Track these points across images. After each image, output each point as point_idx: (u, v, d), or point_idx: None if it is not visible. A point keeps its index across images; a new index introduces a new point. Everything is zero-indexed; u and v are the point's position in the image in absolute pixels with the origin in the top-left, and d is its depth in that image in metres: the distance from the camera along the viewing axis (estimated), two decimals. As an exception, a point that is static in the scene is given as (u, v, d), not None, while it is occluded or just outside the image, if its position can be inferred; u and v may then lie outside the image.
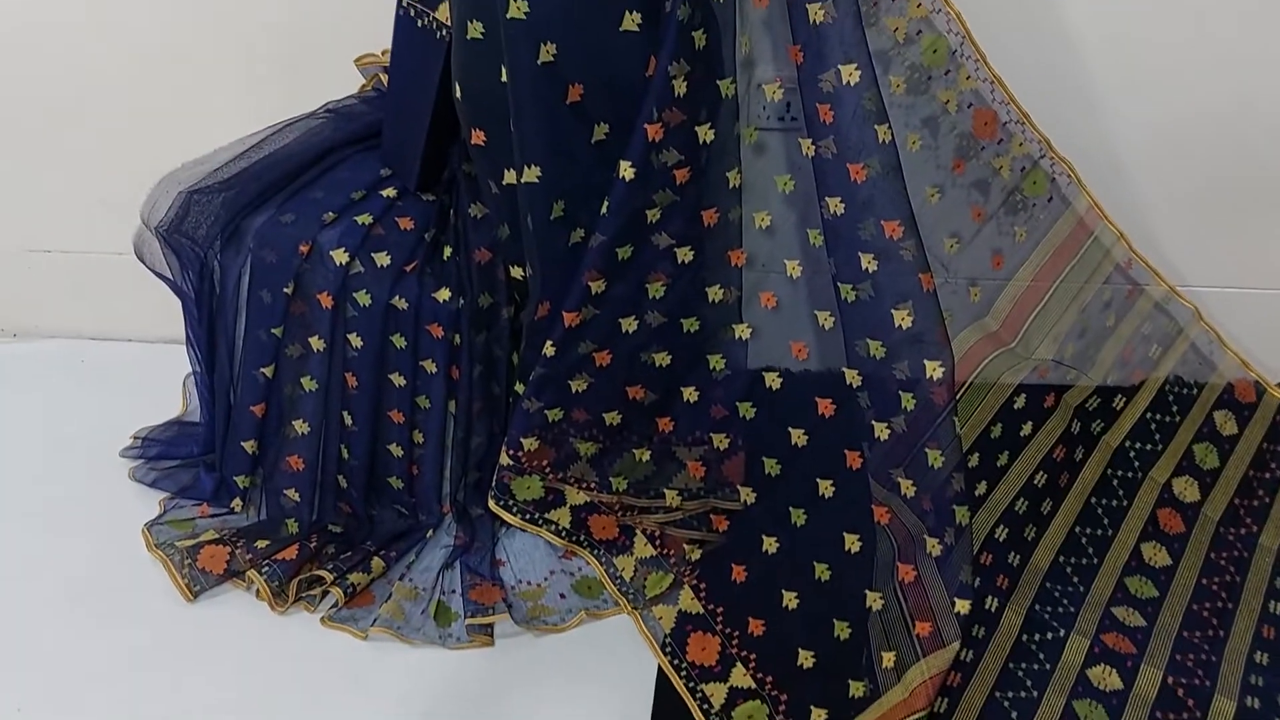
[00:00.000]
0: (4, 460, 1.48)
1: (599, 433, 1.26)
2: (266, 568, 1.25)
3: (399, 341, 1.25)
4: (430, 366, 1.27)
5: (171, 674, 1.18)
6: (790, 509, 1.26)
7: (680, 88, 1.09)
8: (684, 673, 1.18)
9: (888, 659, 1.13)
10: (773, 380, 1.27)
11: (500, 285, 1.26)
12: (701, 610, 1.24)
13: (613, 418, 1.26)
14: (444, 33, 1.17)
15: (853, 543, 1.23)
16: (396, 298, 1.22)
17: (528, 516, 1.26)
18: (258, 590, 1.25)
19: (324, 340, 1.24)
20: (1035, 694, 1.15)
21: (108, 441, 1.48)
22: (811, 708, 1.13)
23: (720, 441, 1.28)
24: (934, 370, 1.14)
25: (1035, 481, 1.32)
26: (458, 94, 1.14)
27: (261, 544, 1.29)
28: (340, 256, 1.22)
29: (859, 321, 1.18)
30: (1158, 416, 1.42)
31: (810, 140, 1.15)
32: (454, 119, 1.23)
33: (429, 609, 1.24)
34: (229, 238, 1.24)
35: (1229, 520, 1.35)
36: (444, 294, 1.23)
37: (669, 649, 1.20)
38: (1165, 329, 1.43)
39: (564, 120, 1.10)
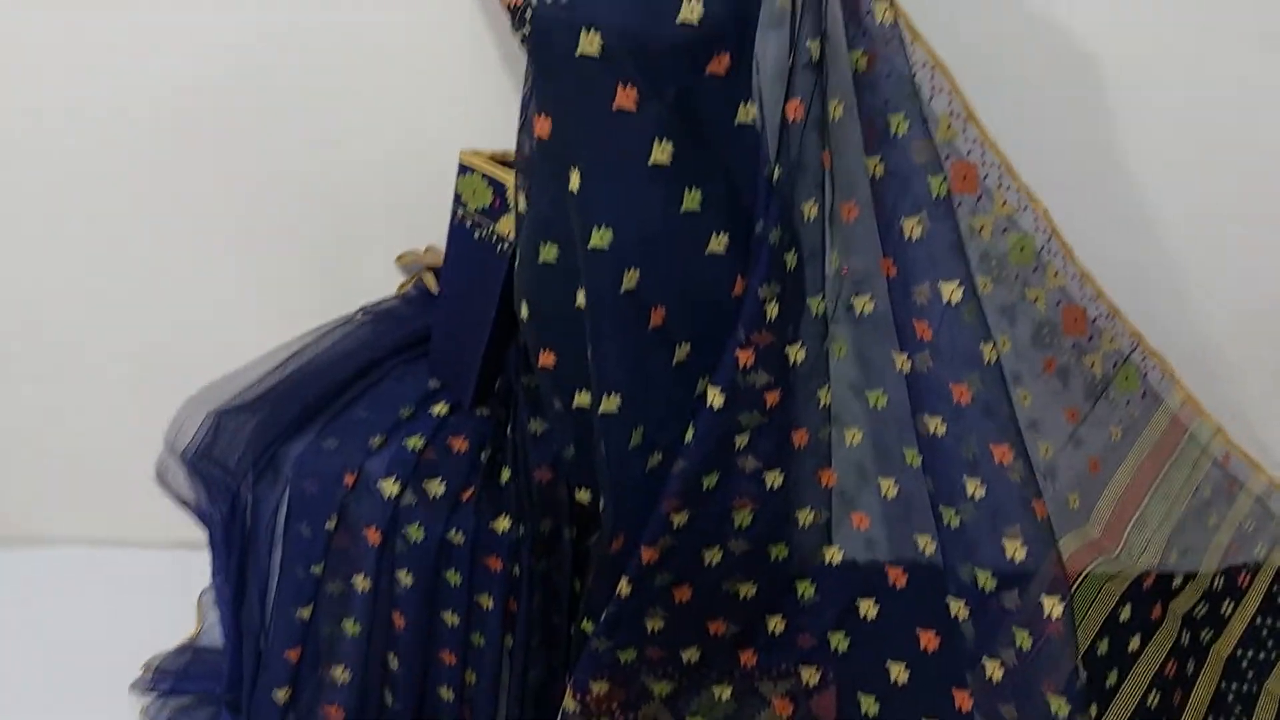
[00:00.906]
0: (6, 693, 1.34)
1: (675, 670, 1.14)
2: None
3: (453, 578, 1.13)
4: (486, 601, 1.15)
5: None
6: (893, 755, 1.14)
7: (772, 310, 1.01)
8: None
9: None
10: (868, 608, 1.16)
11: (563, 508, 1.16)
12: None
13: (691, 655, 1.14)
14: (505, 246, 1.09)
15: (964, 796, 1.10)
16: (452, 530, 1.11)
17: (594, 763, 1.13)
18: None
19: (369, 579, 1.12)
20: None
21: (116, 663, 1.34)
22: None
23: (809, 675, 1.16)
24: (1052, 607, 1.04)
25: (1148, 703, 1.20)
26: (524, 314, 1.06)
27: (295, 804, 1.15)
28: (390, 487, 1.11)
29: (964, 548, 1.08)
30: (1269, 621, 1.31)
31: (905, 355, 1.06)
32: (510, 327, 1.14)
33: None
34: (264, 466, 1.13)
35: (1358, 737, 1.24)
36: (503, 523, 1.12)
37: None
38: (1269, 526, 1.34)
39: (645, 345, 1.01)
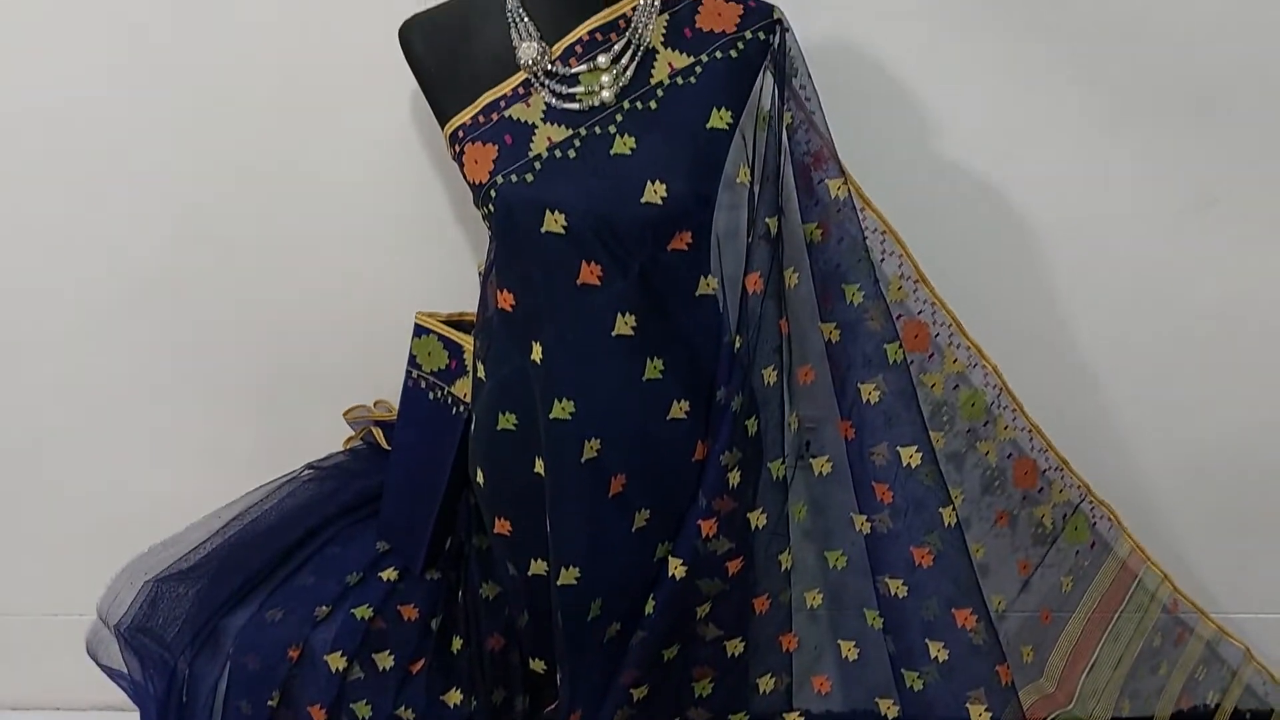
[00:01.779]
0: None
1: None
2: None
3: (403, 756, 1.08)
4: (437, 779, 1.09)
5: None
6: None
7: (734, 478, 1.00)
8: None
9: None
10: (830, 775, 1.13)
11: (515, 676, 1.12)
12: None
13: (651, 832, 1.09)
14: (460, 409, 1.07)
15: None
16: (402, 707, 1.06)
17: None
18: None
19: (314, 760, 1.06)
20: None
21: None
22: None
23: None
24: (1019, 771, 1.03)
25: None
26: (479, 480, 1.04)
27: None
28: (336, 662, 1.06)
29: (926, 711, 1.07)
30: (1224, 769, 1.31)
31: (865, 516, 1.07)
32: (463, 488, 1.12)
33: None
34: (204, 640, 1.08)
35: None
36: (455, 697, 1.08)
37: None
38: (1219, 673, 1.35)
39: (605, 514, 0.99)
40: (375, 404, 1.30)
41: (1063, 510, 1.26)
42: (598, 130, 0.90)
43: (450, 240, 1.21)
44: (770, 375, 1.02)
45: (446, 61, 0.94)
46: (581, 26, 0.93)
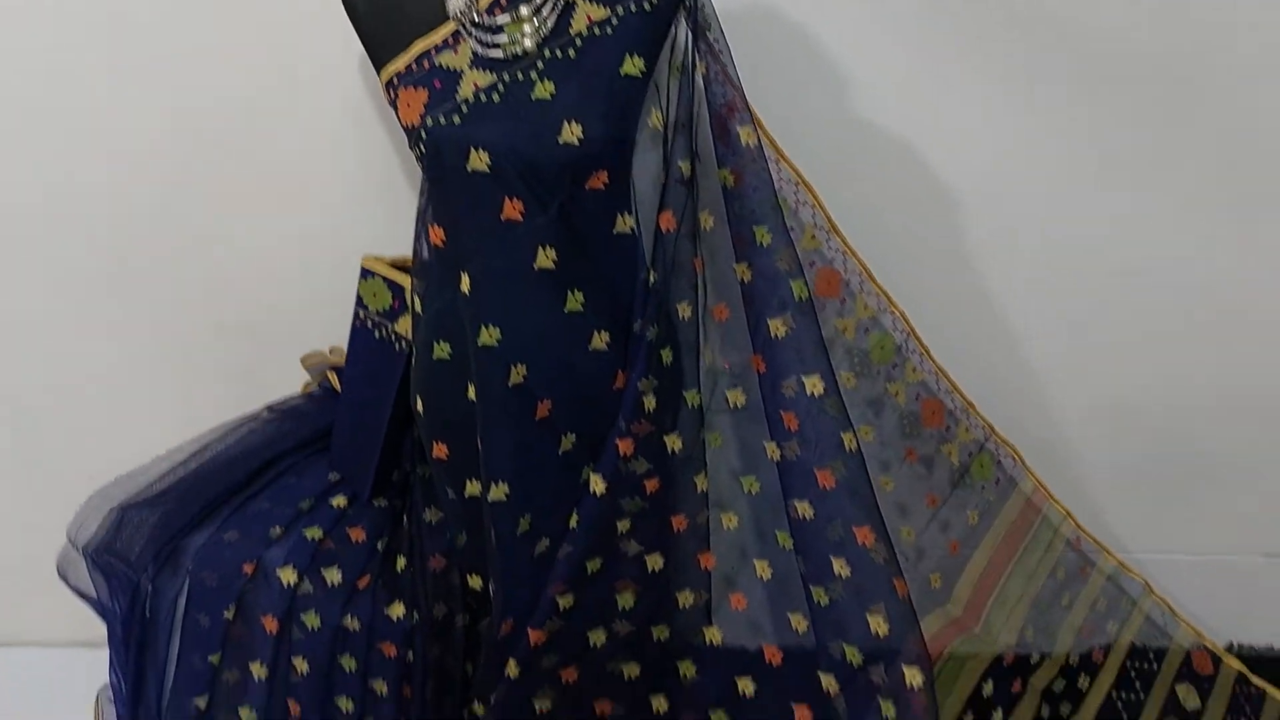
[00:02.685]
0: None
1: (564, 752, 1.18)
2: None
3: (349, 664, 1.16)
4: (381, 687, 1.18)
5: None
6: (771, 833, 1.19)
7: (650, 403, 1.09)
8: None
9: None
10: (746, 686, 1.22)
11: (456, 593, 1.20)
12: None
13: (579, 735, 1.18)
14: (403, 344, 1.16)
15: None
16: (348, 617, 1.15)
17: (484, 847, 1.15)
18: None
19: (266, 666, 1.15)
20: None
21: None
22: None
23: (693, 753, 1.21)
24: (914, 678, 1.12)
25: (1013, 773, 1.28)
26: (419, 408, 1.12)
27: None
28: (288, 575, 1.15)
29: (833, 625, 1.16)
30: (1123, 695, 1.41)
31: (775, 443, 1.15)
32: (408, 422, 1.20)
33: None
34: (165, 559, 1.16)
35: (1206, 801, 1.32)
36: (398, 610, 1.17)
37: None
38: (1120, 604, 1.45)
39: (532, 436, 1.08)
40: (331, 350, 1.38)
41: (969, 449, 1.35)
42: (520, 76, 1.00)
43: (397, 187, 1.30)
44: (685, 310, 1.11)
45: (382, 13, 1.03)
46: None
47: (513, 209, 1.00)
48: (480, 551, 1.15)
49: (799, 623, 1.19)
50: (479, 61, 1.00)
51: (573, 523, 1.10)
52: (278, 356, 1.40)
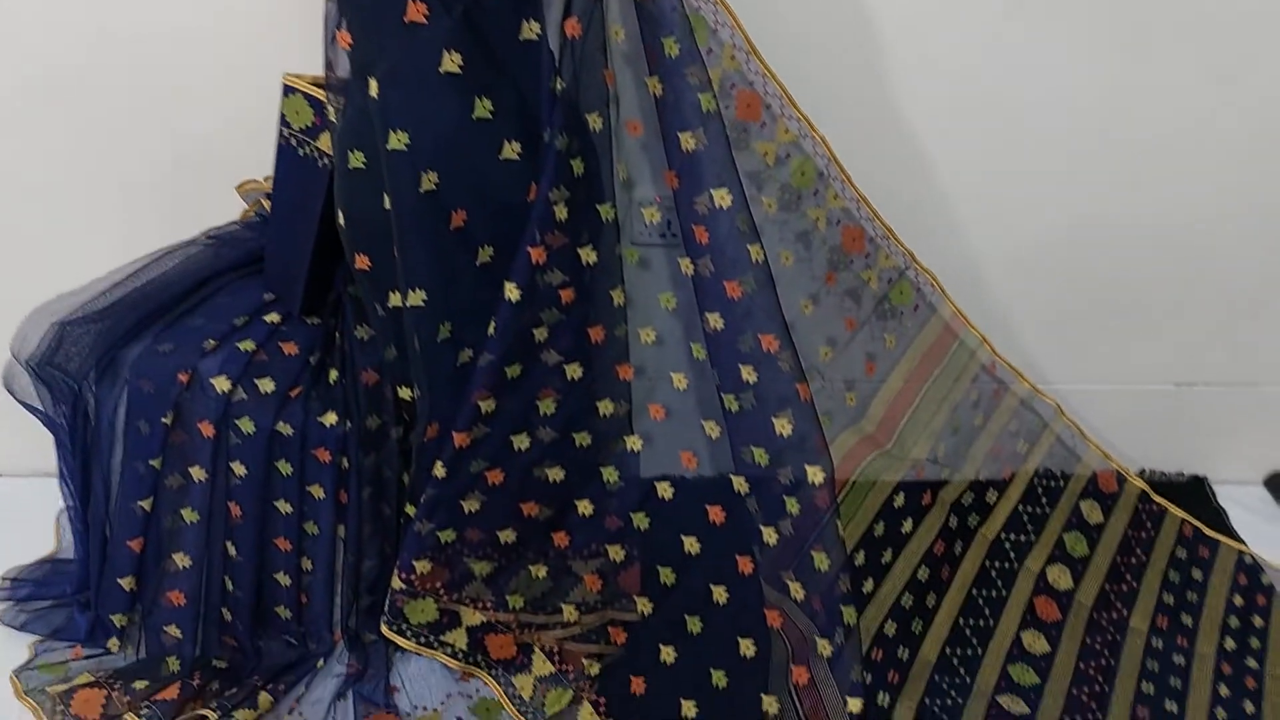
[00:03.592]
0: None
1: (494, 551, 1.26)
2: (146, 710, 1.19)
3: (284, 468, 1.23)
4: (318, 492, 1.25)
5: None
6: (686, 617, 1.27)
7: (561, 213, 1.13)
8: (587, 794, 1.17)
9: (787, 764, 1.15)
10: (665, 490, 1.30)
11: (388, 406, 1.26)
12: (602, 727, 1.23)
13: (507, 535, 1.26)
14: (325, 161, 1.19)
15: (747, 648, 1.24)
16: (281, 424, 1.21)
17: (422, 640, 1.24)
18: (136, 735, 1.19)
19: (205, 470, 1.21)
20: (931, 789, 1.17)
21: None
22: (714, 817, 1.12)
23: (615, 553, 1.29)
24: (815, 475, 1.19)
25: (919, 576, 1.36)
26: (341, 221, 1.16)
27: (140, 685, 1.23)
28: (222, 384, 1.20)
29: (743, 430, 1.22)
30: (1029, 509, 1.49)
31: (689, 259, 1.20)
32: (337, 244, 1.23)
33: (321, 743, 1.20)
34: (104, 369, 1.21)
35: (1101, 605, 1.41)
36: (330, 418, 1.22)
37: (570, 768, 1.19)
38: (1031, 425, 1.52)
39: (448, 245, 1.12)
40: (265, 178, 1.41)
41: (889, 275, 1.40)
42: None
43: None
44: (596, 121, 1.14)
45: None
46: None
47: (416, 11, 1.01)
48: (409, 363, 1.21)
49: (712, 430, 1.26)
50: None
51: (490, 330, 1.15)
52: (217, 187, 1.43)
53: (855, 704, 1.16)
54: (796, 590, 1.22)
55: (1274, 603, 1.44)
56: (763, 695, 1.22)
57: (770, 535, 1.23)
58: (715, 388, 1.23)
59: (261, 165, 1.40)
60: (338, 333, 1.29)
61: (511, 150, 1.10)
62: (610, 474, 1.29)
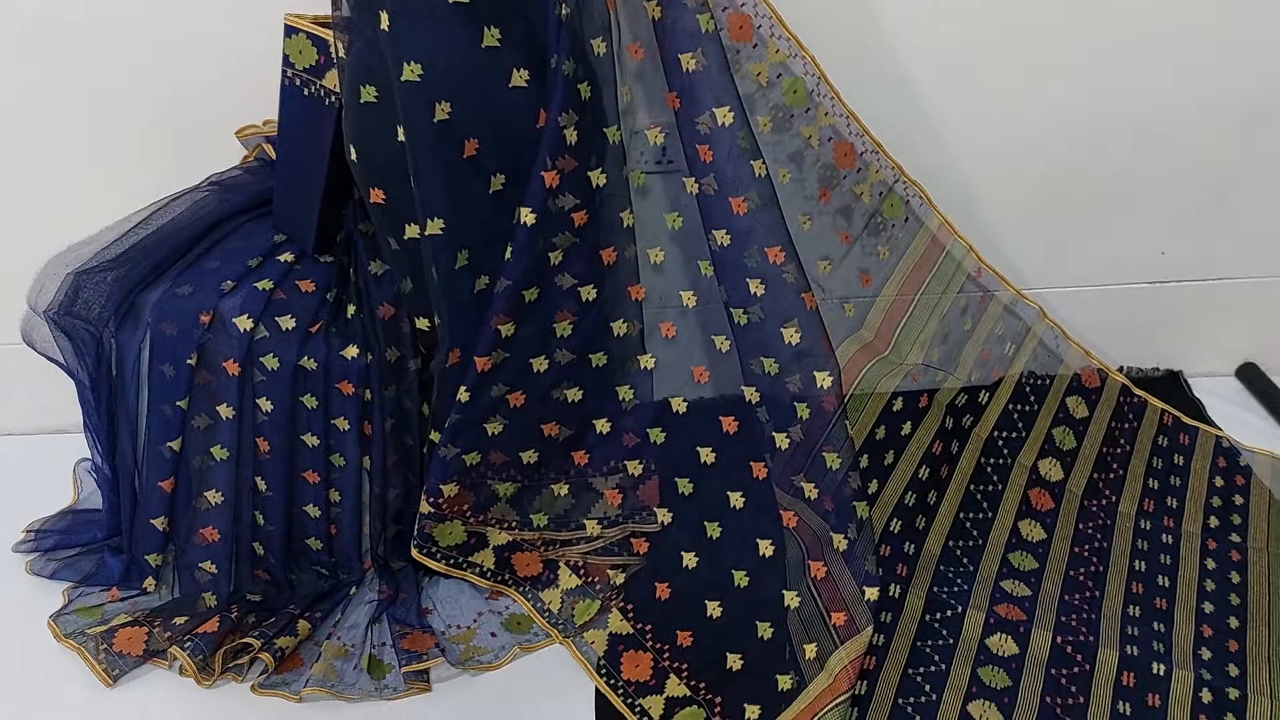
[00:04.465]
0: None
1: (517, 472, 1.31)
2: (189, 643, 1.23)
3: (310, 402, 1.26)
4: (342, 424, 1.28)
5: (101, 764, 1.15)
6: (705, 524, 1.33)
7: (571, 136, 1.16)
8: (621, 691, 1.23)
9: (810, 651, 1.21)
10: (679, 405, 1.35)
11: (406, 338, 1.29)
12: (631, 630, 1.29)
13: (529, 456, 1.30)
14: (333, 99, 1.21)
15: (766, 548, 1.31)
16: (305, 358, 1.24)
17: (452, 562, 1.29)
18: (181, 666, 1.23)
19: (232, 408, 1.24)
20: (943, 666, 1.24)
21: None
22: (745, 705, 1.19)
23: (634, 468, 1.34)
24: (823, 380, 1.24)
25: (920, 475, 1.43)
26: (353, 156, 1.18)
27: (180, 620, 1.27)
28: (244, 323, 1.23)
29: (752, 342, 1.27)
30: (1019, 407, 1.56)
31: (693, 179, 1.24)
32: (346, 182, 1.26)
33: (361, 664, 1.25)
34: (125, 315, 1.23)
35: (1090, 493, 1.49)
36: (351, 351, 1.26)
37: (604, 670, 1.25)
38: (1016, 328, 1.59)
39: (462, 174, 1.15)
40: (264, 123, 1.42)
41: (879, 188, 1.44)
42: None
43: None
44: (599, 46, 1.17)
45: None
46: None
47: (425, -56, 1.03)
48: (424, 294, 1.24)
49: (722, 344, 1.31)
50: None
51: (507, 255, 1.18)
52: (216, 133, 1.44)
53: (872, 592, 1.23)
54: (810, 490, 1.28)
55: (1251, 482, 1.53)
56: (783, 591, 1.28)
57: (782, 441, 1.28)
58: (723, 303, 1.28)
59: (260, 110, 1.42)
60: (351, 269, 1.31)
61: (520, 78, 1.13)
62: (626, 392, 1.33)
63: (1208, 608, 1.33)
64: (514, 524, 1.31)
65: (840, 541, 1.26)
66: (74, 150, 1.46)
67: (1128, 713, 1.20)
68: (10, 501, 1.48)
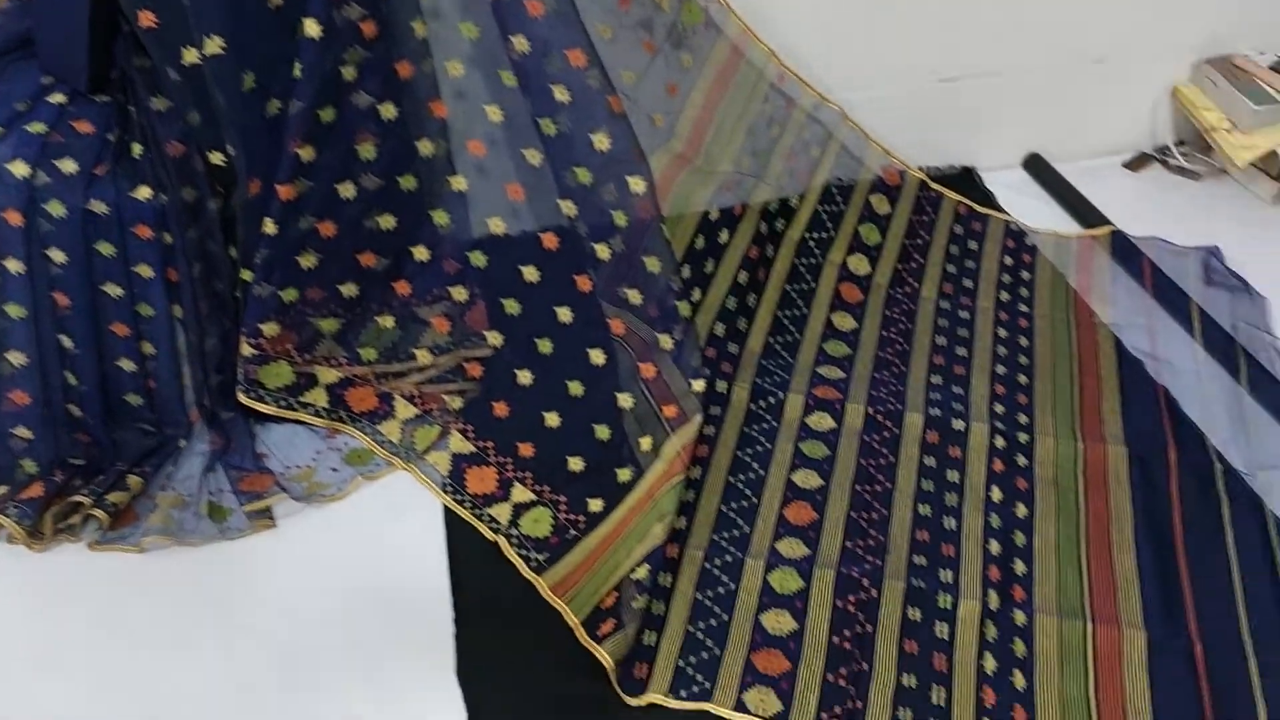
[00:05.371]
0: None
1: (338, 307, 1.29)
2: (14, 509, 1.19)
3: (105, 249, 1.20)
4: (145, 271, 1.23)
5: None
6: (535, 341, 1.35)
7: (350, -53, 1.11)
8: (468, 504, 1.25)
9: (645, 444, 1.27)
10: (496, 225, 1.34)
11: (200, 177, 1.23)
12: (474, 449, 1.31)
13: (349, 289, 1.28)
14: (88, -78, 1.11)
15: (597, 357, 1.34)
16: (94, 202, 1.17)
17: (283, 404, 1.27)
18: (9, 535, 1.19)
19: (21, 261, 1.17)
20: (769, 445, 1.33)
21: None
22: (588, 500, 1.24)
23: (459, 294, 1.34)
24: (636, 184, 1.27)
25: (739, 280, 1.49)
26: (115, -29, 1.10)
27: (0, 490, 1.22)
28: (20, 169, 1.15)
29: (563, 152, 1.27)
30: (827, 208, 1.63)
31: (488, -15, 1.21)
32: (113, 13, 1.18)
33: (200, 509, 1.23)
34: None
35: (896, 283, 1.59)
36: (144, 192, 1.19)
37: (449, 488, 1.27)
38: (819, 134, 1.65)
39: (237, -12, 1.09)
40: (11, -43, 1.30)
41: (676, -4, 1.45)
42: None
43: None
44: None
45: None
46: None
47: None
48: (215, 124, 1.18)
49: (533, 156, 1.31)
50: None
51: (295, 72, 1.13)
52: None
53: (699, 384, 1.29)
54: (634, 297, 1.32)
55: (1037, 259, 1.66)
56: (616, 394, 1.33)
57: (603, 251, 1.31)
58: (530, 114, 1.27)
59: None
60: (132, 107, 1.23)
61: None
62: (440, 216, 1.32)
63: (1000, 370, 1.46)
64: (343, 360, 1.30)
65: (666, 341, 1.31)
66: None
67: (933, 465, 1.31)
68: None
